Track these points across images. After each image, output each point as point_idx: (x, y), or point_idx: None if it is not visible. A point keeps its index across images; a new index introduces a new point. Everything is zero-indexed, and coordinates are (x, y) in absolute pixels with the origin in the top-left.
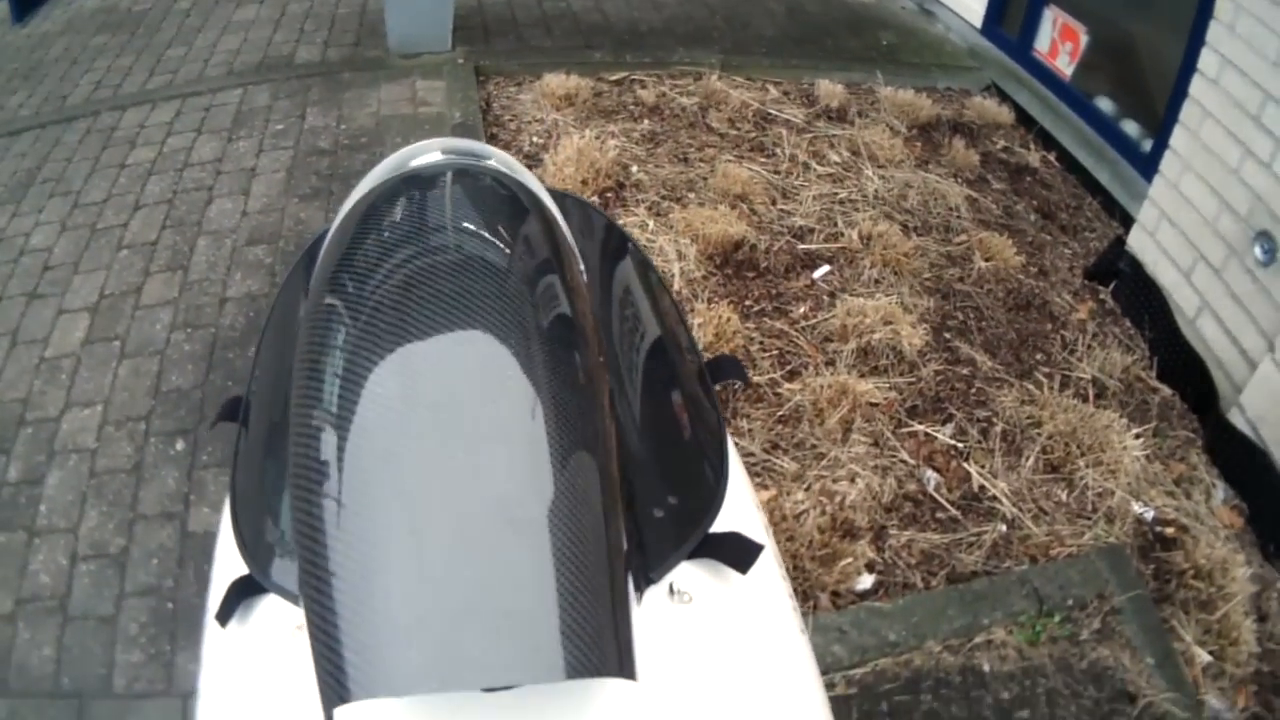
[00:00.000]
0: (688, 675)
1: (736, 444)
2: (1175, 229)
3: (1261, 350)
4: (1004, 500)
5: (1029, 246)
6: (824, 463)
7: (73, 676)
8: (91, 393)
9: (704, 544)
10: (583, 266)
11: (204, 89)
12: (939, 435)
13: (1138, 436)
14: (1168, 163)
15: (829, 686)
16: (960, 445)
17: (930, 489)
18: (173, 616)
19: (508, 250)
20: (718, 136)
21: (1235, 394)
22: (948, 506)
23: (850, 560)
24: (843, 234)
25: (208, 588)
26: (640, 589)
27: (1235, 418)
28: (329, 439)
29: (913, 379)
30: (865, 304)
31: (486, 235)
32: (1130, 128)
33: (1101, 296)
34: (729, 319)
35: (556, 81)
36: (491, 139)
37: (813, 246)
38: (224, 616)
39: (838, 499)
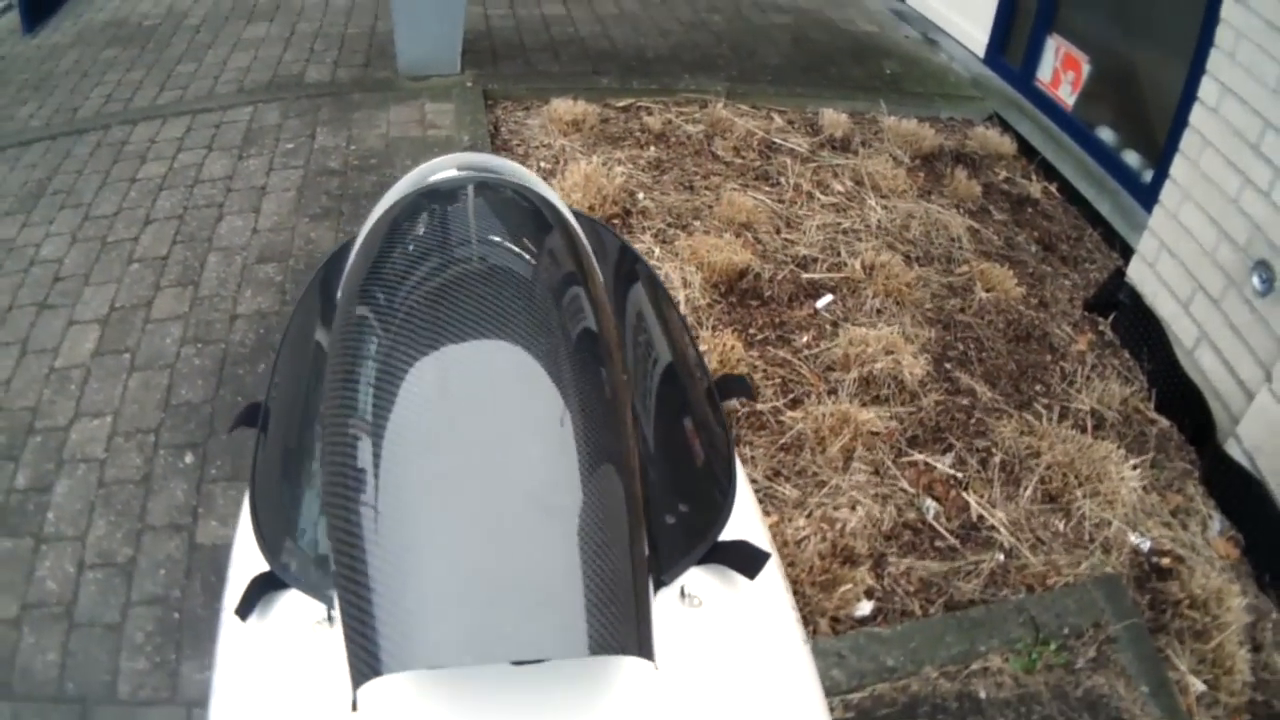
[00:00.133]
0: (698, 673)
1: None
2: (1174, 259)
3: (1259, 381)
4: (1002, 530)
5: (1030, 278)
6: (825, 490)
7: (77, 682)
8: (101, 404)
9: (714, 550)
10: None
11: (214, 106)
12: (939, 465)
13: (1135, 467)
14: (1168, 192)
15: None
16: (959, 475)
17: (929, 518)
18: (179, 626)
19: (536, 261)
20: (723, 165)
21: (1232, 425)
22: (946, 535)
23: (850, 586)
24: (846, 264)
25: (220, 593)
26: (654, 590)
27: (1232, 448)
28: (368, 430)
29: (913, 409)
30: (867, 334)
31: (516, 247)
32: (1131, 158)
33: (1101, 328)
34: (733, 347)
35: (564, 107)
36: None
37: (816, 276)
38: (244, 611)
39: (838, 526)
